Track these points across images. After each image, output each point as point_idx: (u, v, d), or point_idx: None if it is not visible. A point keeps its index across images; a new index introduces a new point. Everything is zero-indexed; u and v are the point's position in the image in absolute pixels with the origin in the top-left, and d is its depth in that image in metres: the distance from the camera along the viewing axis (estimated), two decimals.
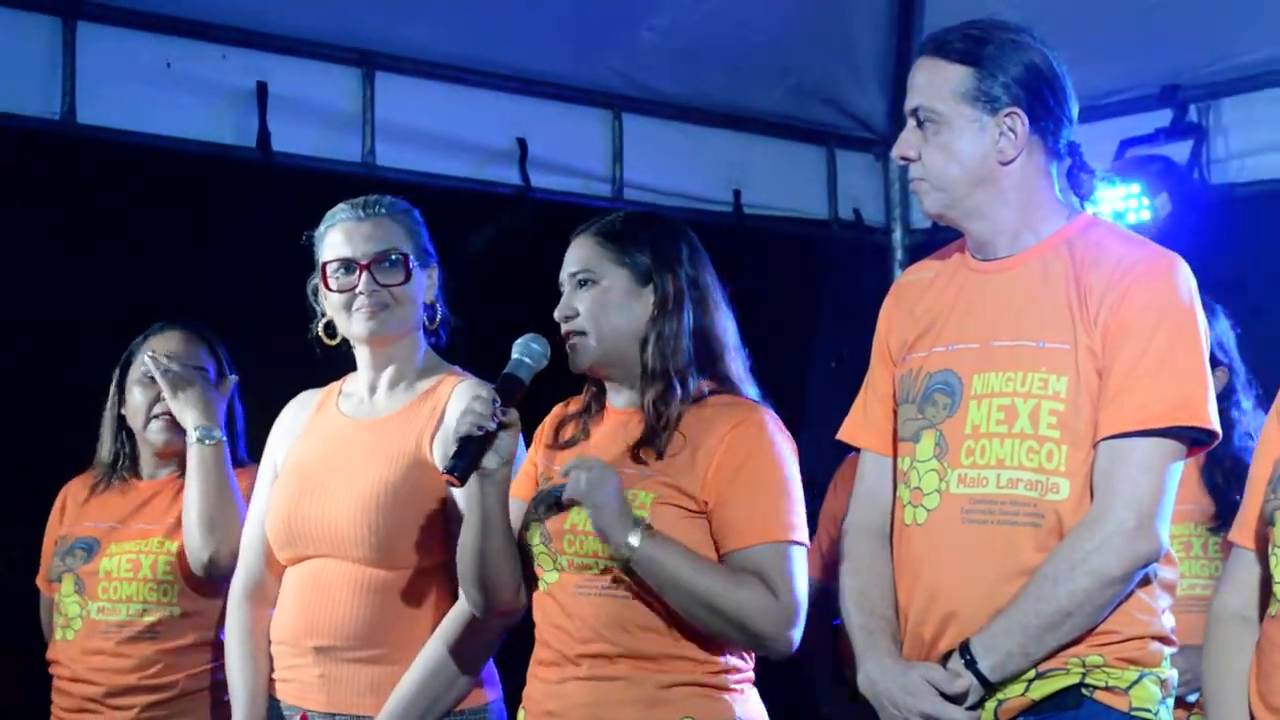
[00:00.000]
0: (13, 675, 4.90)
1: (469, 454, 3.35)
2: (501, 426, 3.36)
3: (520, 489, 3.56)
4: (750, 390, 3.55)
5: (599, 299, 3.52)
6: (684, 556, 3.33)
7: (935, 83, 3.21)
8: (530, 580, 3.52)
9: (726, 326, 3.59)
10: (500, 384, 3.41)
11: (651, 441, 3.45)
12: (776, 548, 3.38)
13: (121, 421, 4.43)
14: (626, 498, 3.34)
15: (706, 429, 3.44)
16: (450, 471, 3.34)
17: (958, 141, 3.20)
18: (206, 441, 4.22)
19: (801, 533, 3.43)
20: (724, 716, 3.40)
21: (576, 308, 3.52)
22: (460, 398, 3.74)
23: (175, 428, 4.33)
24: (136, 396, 4.38)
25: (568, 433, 3.61)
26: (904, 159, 3.26)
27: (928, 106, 3.21)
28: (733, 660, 3.43)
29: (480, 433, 3.33)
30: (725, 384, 3.53)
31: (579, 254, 3.57)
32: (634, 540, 3.30)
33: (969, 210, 3.23)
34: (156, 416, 4.35)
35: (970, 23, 3.25)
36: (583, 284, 3.54)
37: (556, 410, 3.68)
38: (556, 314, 3.55)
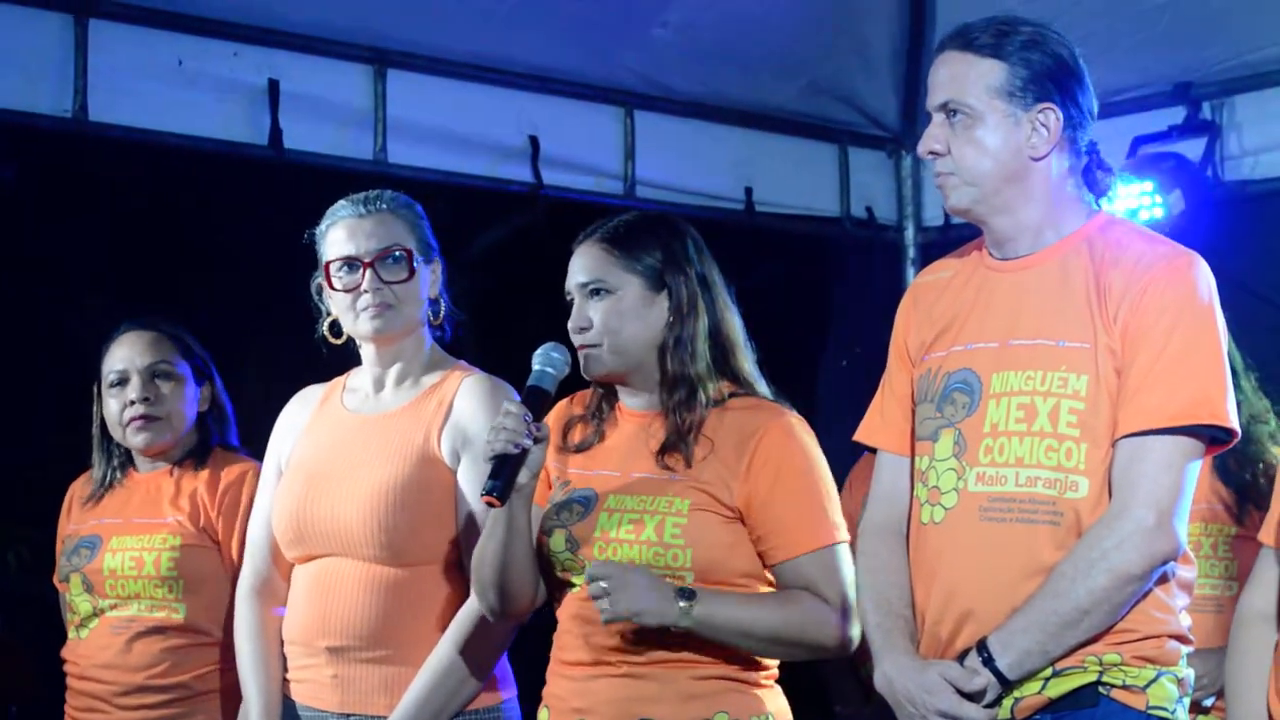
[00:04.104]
0: (28, 672, 4.93)
1: (506, 473, 3.31)
2: (535, 442, 3.33)
3: (535, 494, 3.50)
4: (763, 388, 3.54)
5: (613, 309, 3.47)
6: (736, 604, 3.35)
7: (968, 77, 3.18)
8: (552, 582, 3.51)
9: (736, 324, 3.56)
10: (526, 397, 3.38)
11: (677, 448, 3.43)
12: (823, 554, 3.41)
13: (105, 432, 4.39)
14: (655, 577, 3.32)
15: (731, 433, 3.43)
16: (490, 493, 3.30)
17: (990, 136, 3.17)
18: None
19: (843, 531, 3.45)
20: (757, 711, 3.41)
21: (591, 318, 3.48)
22: (469, 394, 3.73)
23: (152, 428, 4.30)
24: (111, 405, 4.34)
25: (578, 435, 3.57)
26: (931, 154, 3.22)
27: (960, 100, 3.17)
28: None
29: (517, 450, 3.30)
30: (741, 384, 3.52)
31: (586, 263, 3.51)
32: (685, 621, 3.30)
33: (997, 206, 3.21)
34: (131, 422, 4.30)
35: (995, 18, 3.22)
36: (595, 294, 3.49)
37: (560, 409, 3.62)
38: (571, 325, 3.50)
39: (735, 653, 3.39)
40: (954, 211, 3.26)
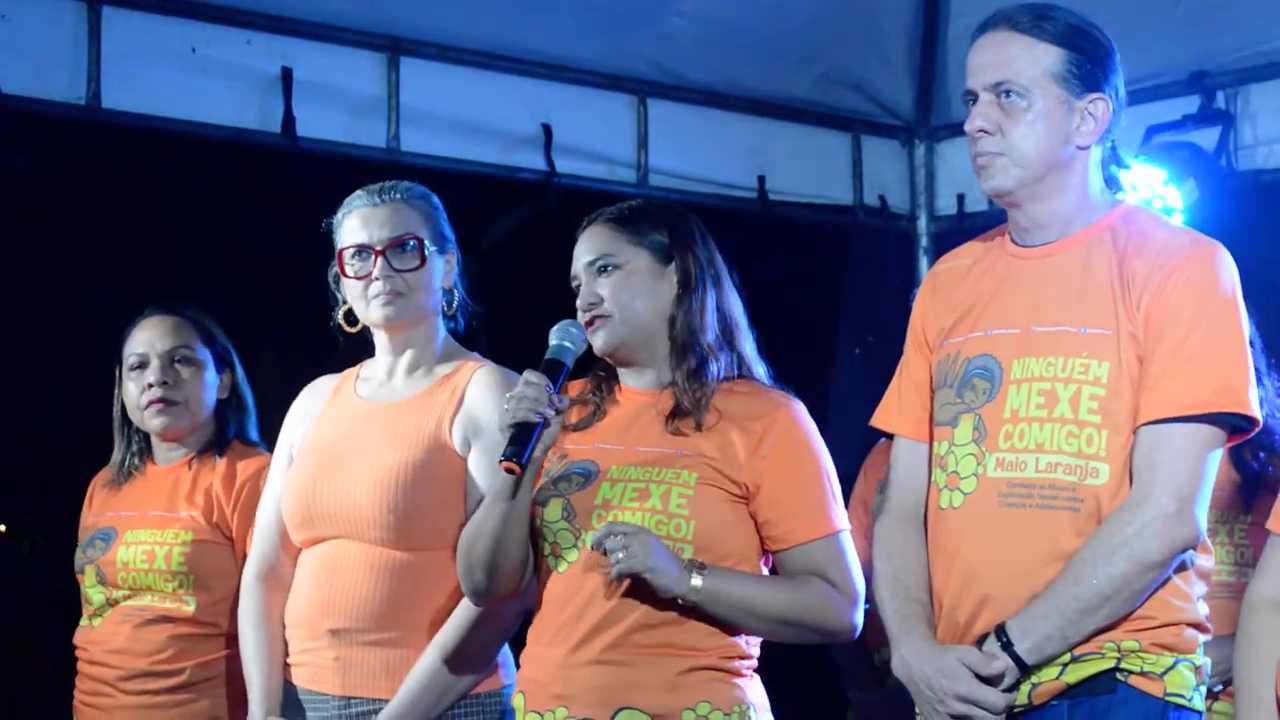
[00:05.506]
0: (38, 658, 4.94)
1: (526, 440, 3.31)
2: (556, 413, 3.34)
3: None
4: (761, 371, 3.57)
5: (622, 282, 3.49)
6: (745, 582, 3.38)
7: (1023, 59, 3.17)
8: (539, 561, 3.50)
9: (739, 307, 3.59)
10: (545, 368, 3.38)
11: (688, 413, 3.44)
12: (830, 541, 3.43)
13: (125, 416, 4.39)
14: (667, 545, 3.33)
15: (739, 411, 3.45)
16: (511, 459, 3.29)
17: (1044, 121, 3.16)
18: None
19: (846, 518, 3.49)
20: (737, 701, 3.40)
21: (600, 294, 3.49)
22: (481, 384, 3.74)
23: (170, 412, 4.30)
24: (130, 389, 4.34)
25: (574, 415, 3.57)
26: (981, 132, 3.20)
27: (1014, 82, 3.16)
28: (744, 646, 3.44)
29: (539, 419, 3.31)
30: (743, 364, 3.54)
31: (593, 242, 3.54)
32: (697, 584, 3.31)
33: (1037, 192, 3.21)
34: (150, 405, 4.30)
35: (1031, 4, 3.22)
36: (603, 270, 3.50)
37: None
38: (580, 304, 3.52)
39: (718, 643, 3.40)
40: (994, 192, 3.24)
